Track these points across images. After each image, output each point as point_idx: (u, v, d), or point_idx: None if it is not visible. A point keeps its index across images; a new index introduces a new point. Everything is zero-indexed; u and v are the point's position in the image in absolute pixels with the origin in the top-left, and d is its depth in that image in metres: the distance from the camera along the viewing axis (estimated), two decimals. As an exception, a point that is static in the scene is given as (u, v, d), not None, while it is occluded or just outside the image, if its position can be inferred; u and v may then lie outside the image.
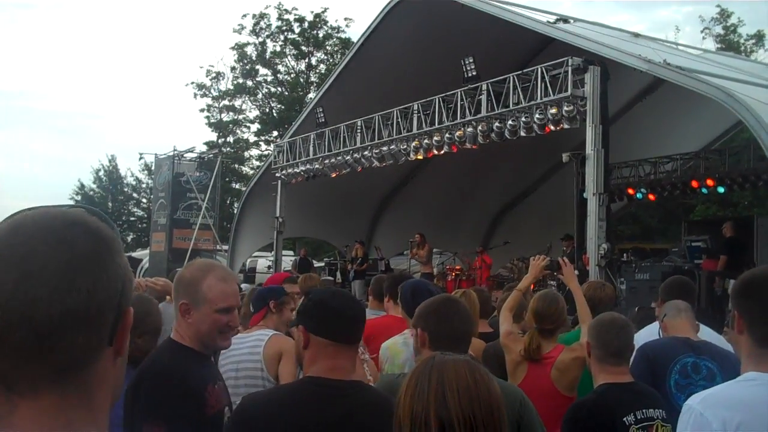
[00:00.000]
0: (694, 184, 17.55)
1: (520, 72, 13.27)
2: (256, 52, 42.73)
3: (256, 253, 24.94)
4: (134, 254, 27.55)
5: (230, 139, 44.47)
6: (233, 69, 43.32)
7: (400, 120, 15.73)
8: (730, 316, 2.32)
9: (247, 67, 43.00)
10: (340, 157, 17.49)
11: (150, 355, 2.99)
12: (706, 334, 4.46)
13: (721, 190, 17.64)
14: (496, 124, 13.54)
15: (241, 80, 43.35)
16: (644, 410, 3.36)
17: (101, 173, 47.79)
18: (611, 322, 3.63)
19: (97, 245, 1.05)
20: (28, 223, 1.04)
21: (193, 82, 43.83)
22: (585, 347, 3.68)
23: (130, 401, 2.69)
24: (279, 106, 42.97)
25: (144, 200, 46.24)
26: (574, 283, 5.01)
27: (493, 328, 5.58)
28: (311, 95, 35.70)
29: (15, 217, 1.08)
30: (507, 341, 4.40)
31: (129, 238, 47.48)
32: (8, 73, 75.21)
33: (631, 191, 18.69)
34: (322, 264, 23.65)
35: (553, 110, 12.31)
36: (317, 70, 42.95)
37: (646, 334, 4.65)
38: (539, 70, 12.63)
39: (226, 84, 43.74)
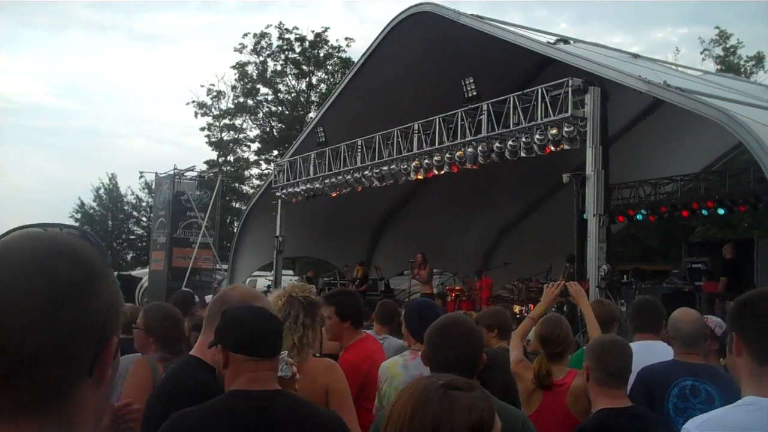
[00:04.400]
0: (695, 205, 17.58)
1: (520, 92, 13.27)
2: (256, 72, 42.89)
3: (256, 273, 24.87)
4: (134, 273, 27.53)
5: (230, 158, 44.54)
6: (234, 88, 43.53)
7: (400, 140, 15.73)
8: (728, 339, 2.29)
9: (248, 86, 43.12)
10: (340, 177, 17.47)
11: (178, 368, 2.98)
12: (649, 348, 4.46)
13: (721, 211, 17.67)
14: (497, 144, 13.53)
15: (241, 99, 43.46)
16: (644, 435, 3.31)
17: (101, 191, 47.83)
18: (611, 344, 3.64)
19: (83, 276, 1.02)
20: (13, 249, 1.02)
21: (194, 101, 43.89)
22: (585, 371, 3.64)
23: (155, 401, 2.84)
24: (279, 125, 43.04)
25: (144, 219, 46.24)
26: (584, 302, 4.99)
27: None
28: (312, 114, 35.79)
29: (2, 239, 1.06)
30: (518, 369, 4.32)
31: (128, 257, 47.46)
32: (8, 90, 75.49)
33: (631, 212, 18.72)
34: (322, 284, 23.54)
35: (554, 131, 12.30)
36: (318, 90, 43.07)
37: (639, 349, 4.58)
38: (539, 90, 12.64)
39: (226, 103, 43.94)
